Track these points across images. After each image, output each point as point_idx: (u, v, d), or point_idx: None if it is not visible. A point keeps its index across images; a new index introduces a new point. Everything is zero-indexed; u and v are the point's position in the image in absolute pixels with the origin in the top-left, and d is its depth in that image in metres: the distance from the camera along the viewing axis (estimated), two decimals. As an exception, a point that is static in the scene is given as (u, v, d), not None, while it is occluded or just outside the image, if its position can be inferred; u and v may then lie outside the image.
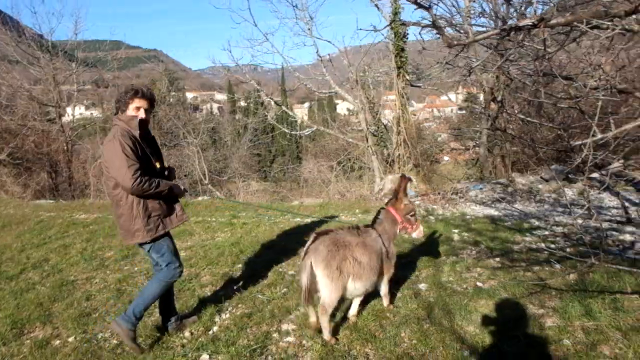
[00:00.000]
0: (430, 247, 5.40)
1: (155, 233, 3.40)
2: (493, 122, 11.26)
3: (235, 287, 4.57)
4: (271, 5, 11.78)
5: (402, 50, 9.94)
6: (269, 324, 3.75)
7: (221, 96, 76.39)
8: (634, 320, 3.27)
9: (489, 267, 4.65)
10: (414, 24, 3.01)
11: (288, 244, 5.95)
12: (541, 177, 9.05)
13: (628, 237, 5.41)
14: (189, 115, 25.12)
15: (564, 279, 4.12)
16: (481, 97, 13.03)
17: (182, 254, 5.24)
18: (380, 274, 3.61)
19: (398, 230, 3.80)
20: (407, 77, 10.86)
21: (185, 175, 20.27)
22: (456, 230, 6.15)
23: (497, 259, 4.88)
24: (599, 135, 2.61)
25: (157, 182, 3.33)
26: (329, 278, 3.25)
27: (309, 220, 7.53)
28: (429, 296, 4.02)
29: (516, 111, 12.52)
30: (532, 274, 4.34)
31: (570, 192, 8.19)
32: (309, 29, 10.70)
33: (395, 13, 9.83)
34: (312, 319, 3.42)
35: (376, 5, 10.25)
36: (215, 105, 67.63)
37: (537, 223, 6.37)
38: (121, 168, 3.16)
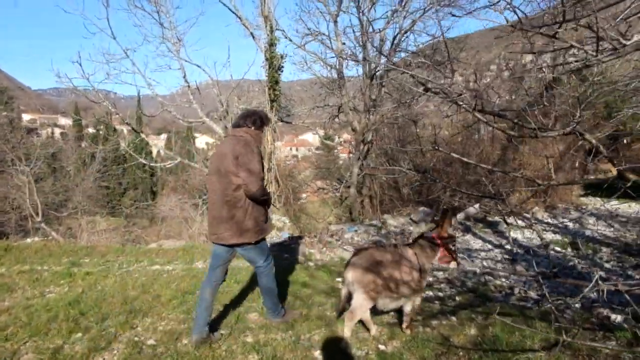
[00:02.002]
0: (318, 301, 4.77)
1: (259, 236, 3.79)
2: (362, 163, 11.35)
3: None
4: (134, 18, 10.31)
5: (277, 82, 9.51)
6: None
7: (66, 120, 68.50)
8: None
9: (385, 322, 4.16)
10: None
11: (145, 301, 4.81)
12: (411, 219, 9.17)
13: (505, 282, 5.45)
14: (21, 138, 21.45)
15: (466, 335, 3.79)
16: (350, 137, 13.19)
17: (-10, 324, 3.81)
18: (413, 292, 3.70)
19: (437, 257, 3.83)
20: (279, 112, 10.45)
21: (12, 209, 16.97)
22: (340, 279, 5.63)
23: (391, 313, 4.42)
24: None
25: (267, 191, 3.81)
26: (361, 290, 3.56)
27: (170, 267, 6.40)
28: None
29: (380, 152, 12.96)
30: (432, 330, 3.93)
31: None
32: (176, 51, 9.70)
33: (271, 44, 9.42)
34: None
35: (252, 34, 9.73)
36: (57, 130, 60.27)
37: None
38: (252, 175, 3.58)
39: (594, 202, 10.72)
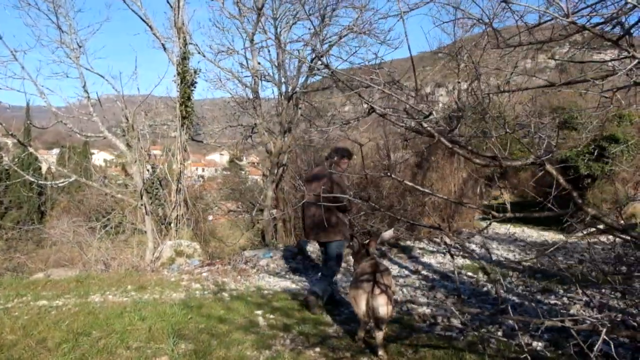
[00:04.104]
0: (237, 339, 4.31)
1: (344, 236, 5.34)
2: (277, 186, 11.04)
3: None
4: (26, 16, 9.07)
5: (189, 98, 8.94)
6: None
7: None
8: None
9: (311, 361, 3.83)
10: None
11: (27, 347, 4.00)
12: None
13: (427, 310, 5.39)
14: None
15: (399, 373, 3.59)
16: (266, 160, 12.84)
17: None
18: None
19: None
20: (190, 130, 9.84)
21: None
22: (259, 312, 5.20)
23: (317, 349, 4.10)
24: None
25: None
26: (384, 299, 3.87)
27: (59, 302, 5.52)
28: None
29: (295, 174, 12.76)
30: (363, 369, 3.68)
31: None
32: (76, 57, 8.70)
33: (184, 58, 8.85)
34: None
35: (163, 46, 9.08)
36: None
37: (337, 296, 5.94)
38: (344, 194, 4.98)
39: (493, 226, 11.38)
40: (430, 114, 1.83)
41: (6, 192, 34.50)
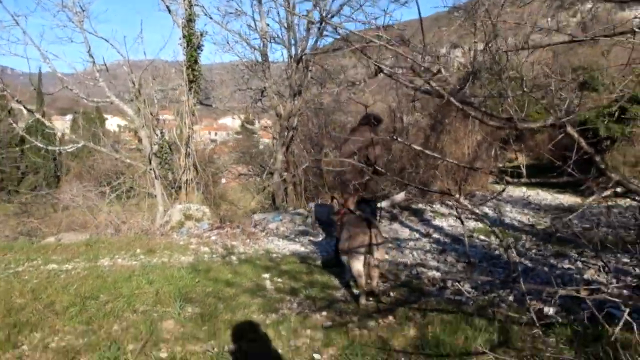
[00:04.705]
0: (243, 302, 4.29)
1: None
2: (287, 149, 10.91)
3: None
4: None
5: (196, 62, 8.72)
6: None
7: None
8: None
9: (318, 326, 3.79)
10: None
11: (35, 311, 4.03)
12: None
13: (436, 274, 5.32)
14: None
15: (406, 337, 3.53)
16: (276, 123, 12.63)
17: None
18: None
19: None
20: (199, 94, 9.67)
21: None
22: (267, 275, 5.18)
23: (324, 313, 4.07)
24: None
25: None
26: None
27: (69, 266, 5.57)
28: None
29: (305, 137, 12.60)
30: (369, 333, 3.63)
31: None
32: (79, 21, 8.48)
33: (190, 20, 8.59)
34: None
35: (167, 8, 8.79)
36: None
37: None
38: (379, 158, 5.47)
39: (507, 189, 11.18)
40: (439, 71, 1.66)
41: (22, 158, 34.88)
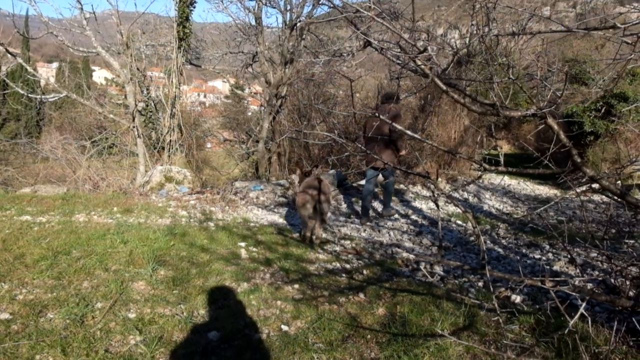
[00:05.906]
0: (216, 269, 4.29)
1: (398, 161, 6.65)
2: (274, 118, 10.79)
3: None
4: None
5: (187, 19, 8.47)
6: None
7: None
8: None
9: (290, 298, 3.83)
10: None
11: (5, 261, 3.99)
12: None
13: (411, 256, 5.39)
14: None
15: (374, 315, 3.58)
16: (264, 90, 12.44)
17: None
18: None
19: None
20: (188, 53, 9.44)
21: None
22: (243, 244, 5.18)
23: (296, 286, 4.10)
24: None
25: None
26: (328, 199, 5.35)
27: (43, 219, 5.49)
28: (225, 353, 2.93)
29: (293, 107, 12.45)
30: (339, 308, 3.68)
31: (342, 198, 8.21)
32: (66, -37, 8.15)
33: (182, -27, 8.30)
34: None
35: (160, -42, 8.48)
36: None
37: (324, 235, 5.92)
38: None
39: (489, 176, 11.27)
40: (425, 49, 1.62)
41: (4, 104, 33.92)
